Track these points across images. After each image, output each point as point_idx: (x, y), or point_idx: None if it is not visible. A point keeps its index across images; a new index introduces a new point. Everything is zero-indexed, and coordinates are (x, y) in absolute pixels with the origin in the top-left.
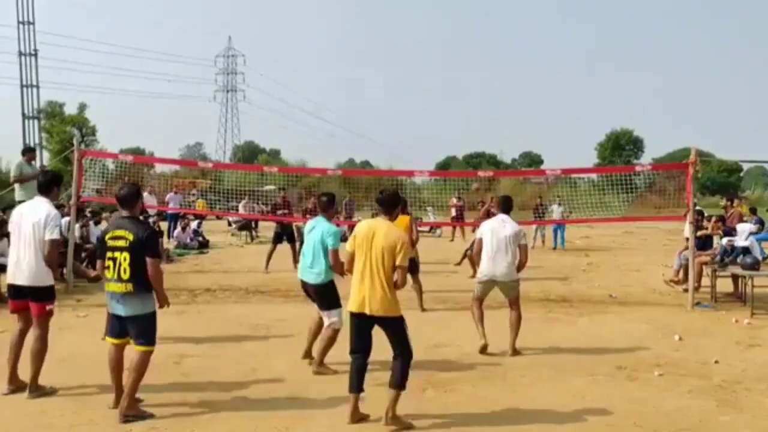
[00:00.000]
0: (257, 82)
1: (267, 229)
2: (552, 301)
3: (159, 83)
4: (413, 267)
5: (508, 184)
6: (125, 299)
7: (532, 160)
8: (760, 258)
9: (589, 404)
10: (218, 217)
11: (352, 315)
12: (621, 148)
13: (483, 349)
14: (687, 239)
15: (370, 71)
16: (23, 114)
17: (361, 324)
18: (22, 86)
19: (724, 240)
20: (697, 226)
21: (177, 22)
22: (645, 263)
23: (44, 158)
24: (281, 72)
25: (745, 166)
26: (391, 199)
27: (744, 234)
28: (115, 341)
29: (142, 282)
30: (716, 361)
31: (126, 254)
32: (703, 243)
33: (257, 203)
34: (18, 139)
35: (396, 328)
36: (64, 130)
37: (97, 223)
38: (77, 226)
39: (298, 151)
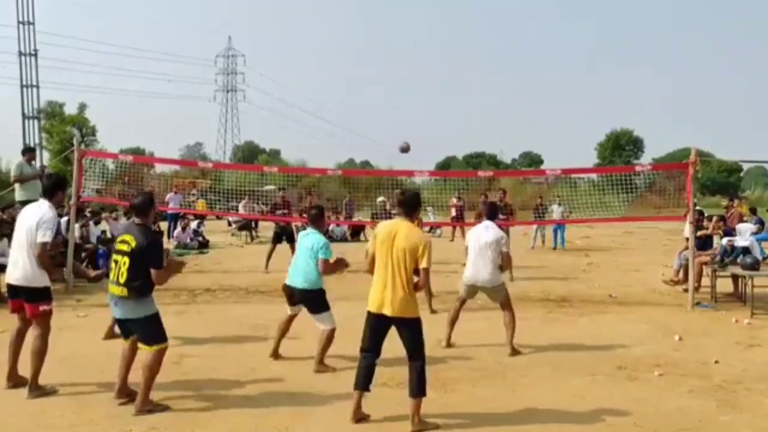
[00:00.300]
0: (257, 82)
1: (267, 229)
2: (552, 301)
3: (159, 83)
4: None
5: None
6: (121, 302)
7: (532, 160)
8: (760, 258)
9: (589, 404)
10: (218, 217)
11: (370, 315)
12: (621, 148)
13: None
14: (687, 239)
15: (370, 71)
16: (23, 114)
17: (378, 324)
18: (22, 86)
19: (724, 240)
20: (698, 226)
21: (177, 22)
22: (645, 263)
23: (44, 158)
24: (281, 72)
25: (745, 166)
26: (413, 201)
27: (745, 234)
28: (126, 341)
29: (138, 288)
30: (716, 361)
31: (126, 259)
32: (703, 243)
33: (257, 203)
34: (18, 139)
35: (413, 329)
36: (64, 130)
37: (97, 223)
38: (77, 226)
39: (298, 151)
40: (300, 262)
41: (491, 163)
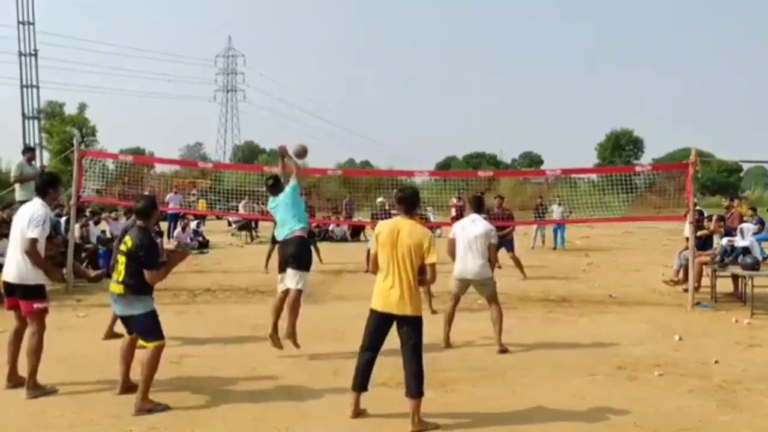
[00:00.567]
0: (257, 82)
1: (267, 229)
2: (552, 301)
3: (159, 83)
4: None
5: (508, 185)
6: (120, 300)
7: (532, 160)
8: (760, 258)
9: (589, 404)
10: (218, 217)
11: (375, 313)
12: (621, 148)
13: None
14: (687, 239)
15: (370, 71)
16: (23, 114)
17: (382, 323)
18: (22, 86)
19: (724, 240)
20: (698, 226)
21: (177, 22)
22: (645, 263)
23: (44, 158)
24: (281, 72)
25: (745, 166)
26: (411, 198)
27: (747, 234)
28: (127, 337)
29: (134, 286)
30: (716, 361)
31: (123, 258)
32: (703, 243)
33: (257, 203)
34: (18, 139)
35: (416, 327)
36: (64, 130)
37: (97, 223)
38: (77, 226)
39: None
40: (286, 217)
41: (491, 163)
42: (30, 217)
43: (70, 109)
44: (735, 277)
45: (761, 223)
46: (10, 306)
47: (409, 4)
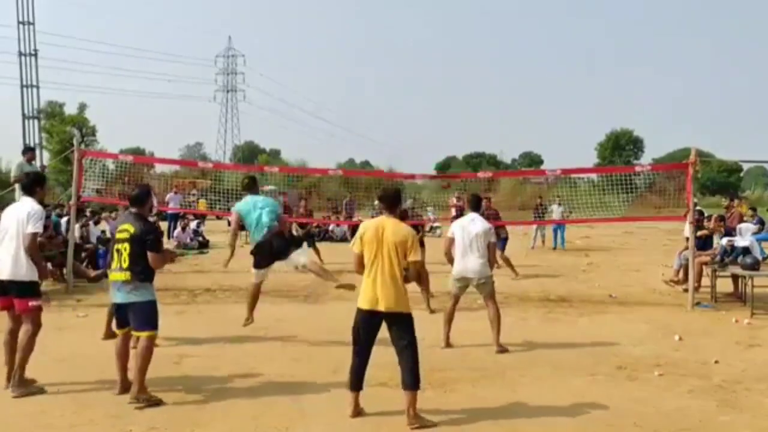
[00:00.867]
0: (257, 82)
1: None
2: (552, 301)
3: (159, 83)
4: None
5: (508, 184)
6: (125, 287)
7: (532, 160)
8: (760, 258)
9: (589, 404)
10: (218, 217)
11: (362, 312)
12: (621, 148)
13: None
14: (687, 239)
15: (370, 70)
16: (23, 114)
17: (371, 321)
18: (22, 86)
19: (724, 240)
20: (698, 226)
21: (177, 22)
22: (645, 263)
23: (44, 158)
24: (281, 72)
25: (745, 166)
26: (393, 197)
27: (747, 234)
28: (121, 330)
29: (140, 272)
30: (716, 361)
31: (127, 245)
32: (703, 243)
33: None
34: (18, 139)
35: (406, 324)
36: (64, 130)
37: (96, 223)
38: (77, 226)
39: (298, 151)
40: (268, 216)
41: (491, 163)
42: (28, 213)
43: (70, 109)
44: (735, 277)
45: (761, 223)
46: (4, 306)
47: (409, 4)
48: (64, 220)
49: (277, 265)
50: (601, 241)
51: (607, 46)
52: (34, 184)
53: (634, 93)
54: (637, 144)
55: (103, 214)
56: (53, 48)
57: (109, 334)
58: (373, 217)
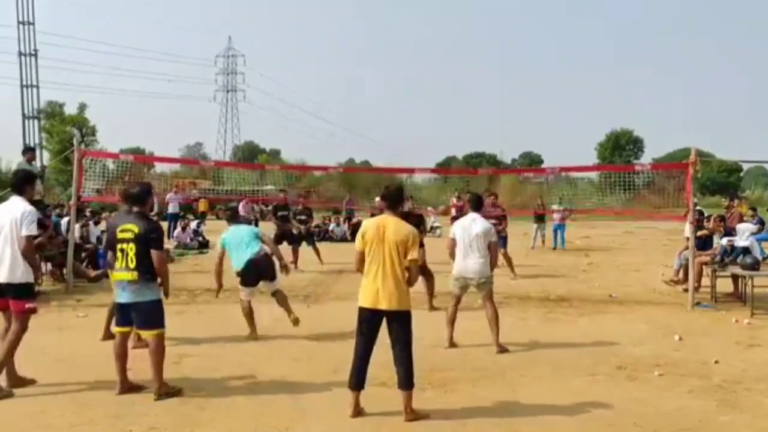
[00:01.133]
0: (257, 82)
1: (266, 229)
2: (552, 301)
3: (159, 83)
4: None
5: (507, 184)
6: (131, 286)
7: (532, 160)
8: (760, 258)
9: (589, 404)
10: (218, 217)
11: (364, 311)
12: (621, 148)
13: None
14: (687, 239)
15: (370, 70)
16: (23, 114)
17: (373, 320)
18: (22, 86)
19: (724, 240)
20: (698, 226)
21: (177, 22)
22: (645, 263)
23: (44, 158)
24: (281, 72)
25: (745, 166)
26: (396, 194)
27: (745, 234)
28: (121, 330)
29: (147, 271)
30: (716, 361)
31: (132, 245)
32: (703, 243)
33: (257, 203)
34: (18, 139)
35: (404, 322)
36: (64, 130)
37: (96, 223)
38: (77, 226)
39: (298, 151)
40: (250, 243)
41: (491, 163)
42: (22, 213)
43: (70, 109)
44: (735, 277)
45: (761, 223)
46: (0, 308)
47: (409, 4)
48: (64, 220)
49: (262, 284)
50: (601, 241)
51: (607, 46)
52: (23, 182)
53: (634, 93)
54: (637, 144)
55: (104, 214)
56: (53, 48)
57: (108, 336)
58: (373, 215)
